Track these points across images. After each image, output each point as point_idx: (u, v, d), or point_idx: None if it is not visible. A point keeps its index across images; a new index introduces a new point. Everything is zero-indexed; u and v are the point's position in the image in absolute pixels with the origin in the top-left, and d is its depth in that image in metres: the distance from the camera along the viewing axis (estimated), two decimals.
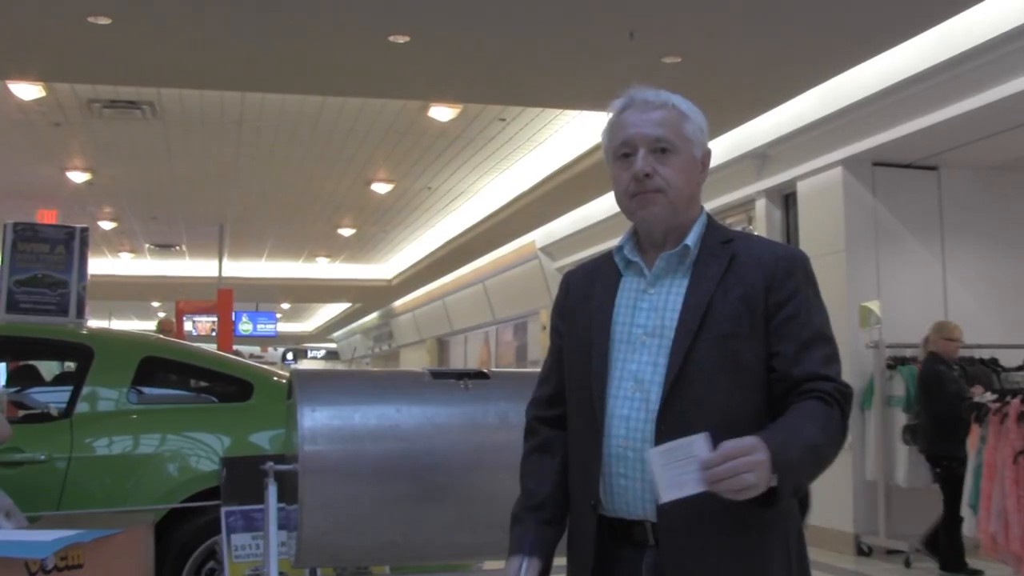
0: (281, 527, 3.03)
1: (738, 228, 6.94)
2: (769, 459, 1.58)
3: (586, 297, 1.93)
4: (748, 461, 1.57)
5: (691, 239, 1.85)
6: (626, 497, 1.79)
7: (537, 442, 2.00)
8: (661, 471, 1.62)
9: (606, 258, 1.96)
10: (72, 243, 4.72)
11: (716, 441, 1.62)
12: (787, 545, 1.79)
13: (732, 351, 1.76)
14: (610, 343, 1.85)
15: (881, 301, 7.43)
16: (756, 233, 8.33)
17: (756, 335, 1.77)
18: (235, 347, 15.58)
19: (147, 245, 16.97)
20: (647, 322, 1.83)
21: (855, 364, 7.32)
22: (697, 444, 1.61)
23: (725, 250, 1.84)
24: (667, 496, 1.62)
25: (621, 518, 1.80)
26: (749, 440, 1.59)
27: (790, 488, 1.64)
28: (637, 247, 1.91)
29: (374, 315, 27.69)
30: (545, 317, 14.22)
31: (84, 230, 4.81)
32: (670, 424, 1.75)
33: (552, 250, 13.82)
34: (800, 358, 1.76)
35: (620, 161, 1.87)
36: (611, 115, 1.91)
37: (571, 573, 1.89)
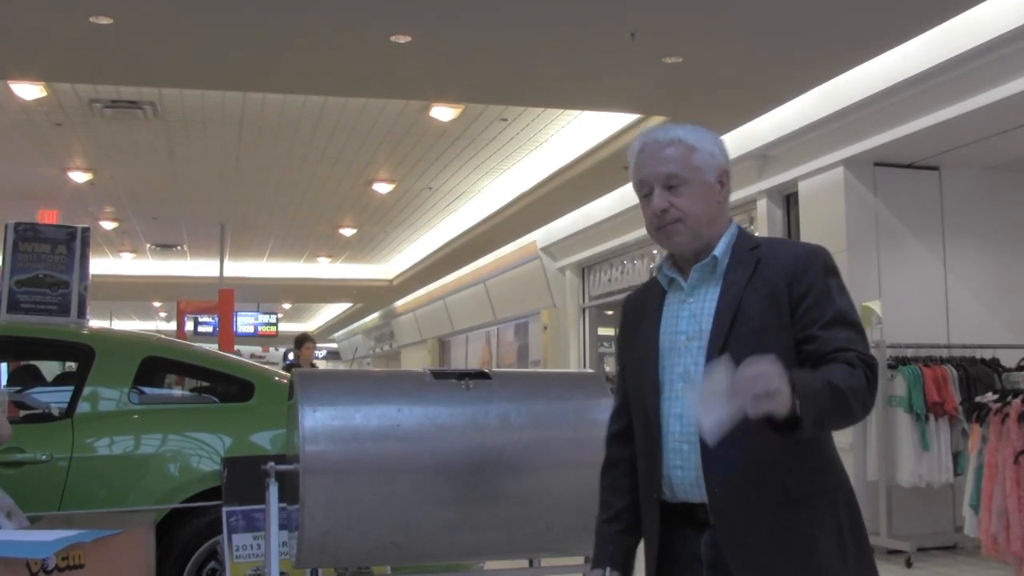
0: (282, 527, 3.04)
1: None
2: (789, 381, 1.71)
3: (638, 317, 2.16)
4: (766, 368, 1.70)
5: (719, 250, 2.05)
6: (684, 485, 1.99)
7: (610, 458, 2.23)
8: (702, 417, 1.75)
9: (654, 280, 2.19)
10: (73, 243, 4.72)
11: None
12: (836, 515, 1.96)
13: (763, 344, 1.90)
14: (659, 352, 2.06)
15: (882, 301, 7.42)
16: (758, 233, 8.34)
17: (783, 327, 1.96)
18: (236, 347, 15.62)
19: (148, 245, 16.97)
20: (688, 328, 2.04)
21: None
22: (718, 376, 1.73)
23: (751, 256, 2.04)
24: (710, 433, 1.74)
25: (684, 502, 2.00)
26: (764, 357, 1.73)
27: (812, 415, 1.75)
28: (674, 266, 2.12)
29: (375, 315, 27.69)
30: (546, 317, 14.21)
31: (85, 230, 4.80)
32: None
33: (553, 250, 13.81)
34: (824, 337, 1.92)
35: (643, 200, 2.09)
36: (631, 159, 2.12)
37: (646, 550, 2.11)
